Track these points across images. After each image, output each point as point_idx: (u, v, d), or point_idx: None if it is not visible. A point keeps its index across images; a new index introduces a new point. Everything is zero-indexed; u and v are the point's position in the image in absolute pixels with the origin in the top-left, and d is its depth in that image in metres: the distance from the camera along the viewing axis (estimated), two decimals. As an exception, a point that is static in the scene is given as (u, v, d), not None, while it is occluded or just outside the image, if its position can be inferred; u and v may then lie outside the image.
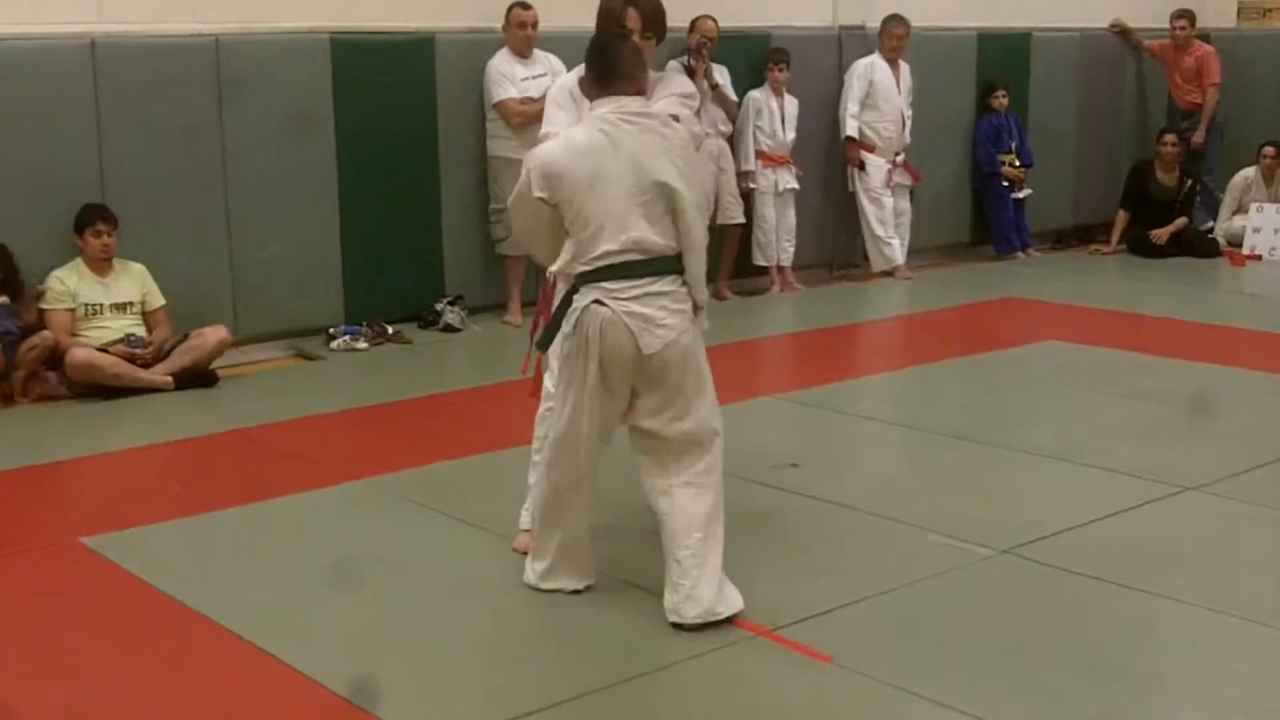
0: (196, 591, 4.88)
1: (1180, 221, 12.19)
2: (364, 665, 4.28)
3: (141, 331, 7.96)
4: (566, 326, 4.57)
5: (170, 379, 7.84)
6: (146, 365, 7.86)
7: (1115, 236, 12.51)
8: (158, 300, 8.09)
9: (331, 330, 8.94)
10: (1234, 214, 12.71)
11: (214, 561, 5.26)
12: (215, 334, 8.09)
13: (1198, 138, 12.79)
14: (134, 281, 8.03)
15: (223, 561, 5.26)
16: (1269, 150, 12.51)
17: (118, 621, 4.76)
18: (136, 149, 8.19)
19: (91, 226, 7.84)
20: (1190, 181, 12.16)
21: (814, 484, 5.94)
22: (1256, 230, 12.28)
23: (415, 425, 7.22)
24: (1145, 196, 12.25)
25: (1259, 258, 12.09)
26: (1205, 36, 13.33)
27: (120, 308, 7.96)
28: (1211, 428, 6.92)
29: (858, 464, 6.67)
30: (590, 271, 4.50)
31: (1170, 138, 12.20)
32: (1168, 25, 13.09)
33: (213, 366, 8.09)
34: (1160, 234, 12.09)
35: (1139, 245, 12.27)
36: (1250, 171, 12.66)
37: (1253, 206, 12.40)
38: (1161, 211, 12.16)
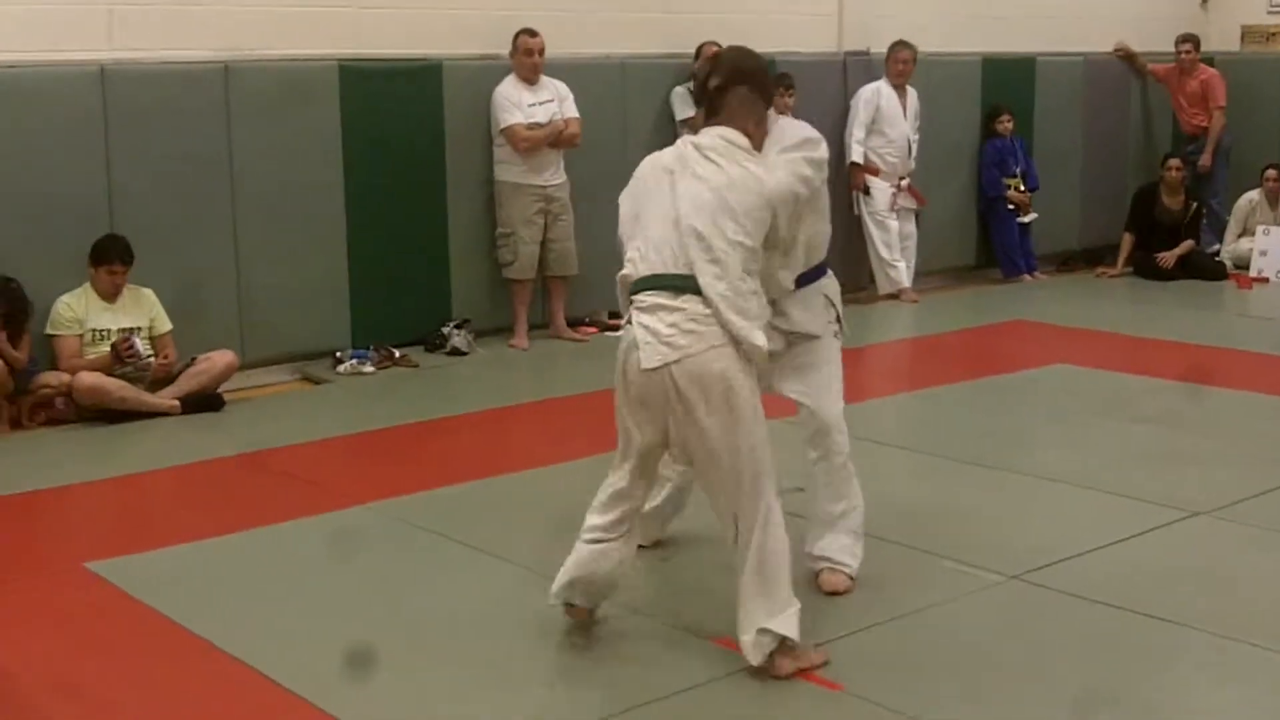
0: (203, 618, 4.87)
1: (1186, 245, 12.17)
2: (373, 693, 4.27)
3: (146, 350, 7.95)
4: None
5: (177, 403, 7.84)
6: (153, 389, 7.86)
7: (1121, 259, 12.50)
8: (165, 325, 8.10)
9: (338, 354, 8.94)
10: (1239, 236, 12.71)
11: (221, 587, 5.24)
12: (222, 358, 8.09)
13: (1204, 161, 12.79)
14: (142, 307, 8.03)
15: (229, 587, 5.24)
16: (1273, 173, 12.52)
17: (123, 648, 4.74)
18: (145, 175, 8.20)
19: (108, 264, 7.84)
20: (1195, 205, 12.15)
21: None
22: (1263, 253, 12.27)
23: (422, 449, 7.20)
24: (1150, 221, 12.24)
25: (1266, 280, 12.08)
26: (1210, 60, 13.34)
27: (128, 333, 7.96)
28: (1222, 452, 6.90)
29: (865, 488, 6.61)
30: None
31: (1174, 162, 12.19)
32: (1172, 49, 13.11)
33: (219, 390, 8.09)
34: (1166, 258, 12.07)
35: (1145, 268, 12.25)
36: (1255, 194, 12.66)
37: (1259, 229, 12.40)
38: (1167, 235, 12.14)
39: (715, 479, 4.37)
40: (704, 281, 4.27)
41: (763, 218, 4.38)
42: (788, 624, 4.29)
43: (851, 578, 5.02)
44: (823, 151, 4.75)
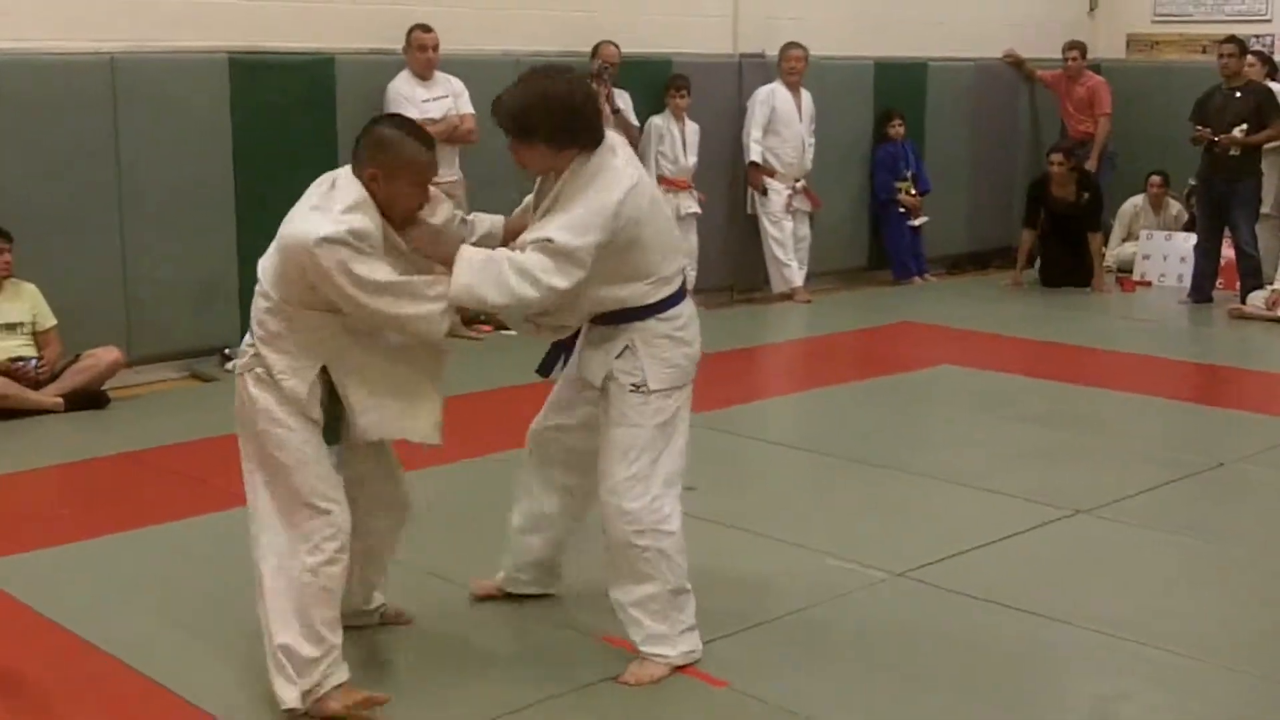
0: (85, 619, 4.81)
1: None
2: (256, 693, 4.23)
3: (31, 352, 7.83)
4: None
5: (61, 400, 7.72)
6: (37, 386, 7.74)
7: (1021, 260, 12.45)
8: (49, 320, 7.96)
9: (227, 351, 8.82)
10: (1124, 240, 12.95)
11: (103, 588, 5.17)
12: (108, 355, 7.97)
13: (1090, 165, 13.00)
14: (25, 301, 7.90)
15: (112, 588, 5.17)
16: (1156, 179, 12.75)
17: (2, 650, 4.65)
18: (29, 168, 8.06)
19: (-11, 244, 7.72)
20: (1087, 195, 12.19)
21: (711, 506, 5.93)
22: (1146, 257, 12.52)
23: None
24: (1046, 211, 12.24)
25: (1149, 283, 12.32)
26: (1096, 67, 13.56)
27: (10, 328, 7.83)
28: (1103, 451, 7.04)
29: (755, 487, 6.69)
30: None
31: (1056, 157, 12.17)
32: (1060, 56, 13.30)
33: (105, 388, 7.97)
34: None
35: (1046, 269, 12.32)
36: (1139, 199, 12.90)
37: (1142, 234, 12.64)
38: (1066, 225, 12.09)
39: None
40: None
41: None
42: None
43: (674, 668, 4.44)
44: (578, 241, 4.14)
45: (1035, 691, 4.37)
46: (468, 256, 4.12)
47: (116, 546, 5.62)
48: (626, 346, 4.35)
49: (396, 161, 4.07)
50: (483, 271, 4.08)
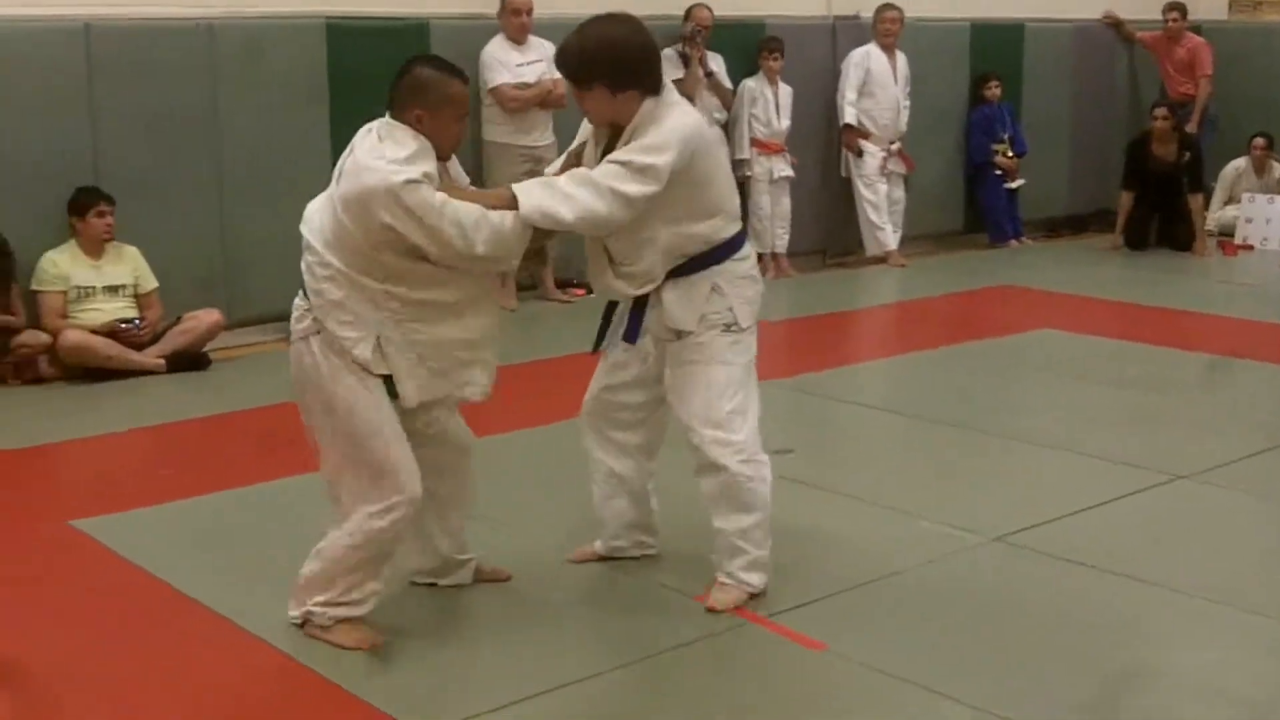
0: (186, 575, 4.87)
1: None
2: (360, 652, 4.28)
3: (133, 313, 7.94)
4: None
5: (162, 361, 7.83)
6: (139, 347, 7.85)
7: (1121, 222, 12.27)
8: (150, 283, 8.08)
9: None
10: (1225, 204, 12.73)
11: (205, 545, 5.24)
12: (208, 317, 8.08)
13: (1190, 128, 12.78)
14: (127, 264, 8.01)
15: (214, 545, 5.24)
16: (1259, 141, 12.52)
17: (106, 605, 4.74)
18: (130, 133, 8.17)
19: (95, 207, 7.83)
20: (1189, 153, 12.01)
21: (806, 470, 5.93)
22: (1249, 220, 12.30)
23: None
24: (1144, 172, 12.06)
25: (1251, 248, 12.10)
26: (1197, 29, 13.33)
27: (113, 290, 7.94)
28: (1205, 416, 6.94)
29: (851, 450, 6.67)
30: None
31: (1160, 111, 11.99)
32: (1160, 17, 13.08)
33: (205, 349, 8.08)
34: None
35: (1134, 237, 12.17)
36: (1241, 162, 12.67)
37: (1244, 197, 12.43)
38: (1165, 186, 11.91)
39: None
40: None
41: None
42: None
43: (750, 595, 4.59)
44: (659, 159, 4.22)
45: (1135, 658, 4.32)
46: (524, 187, 4.22)
47: (216, 505, 5.70)
48: (713, 288, 4.44)
49: (439, 99, 4.18)
50: (544, 194, 4.19)
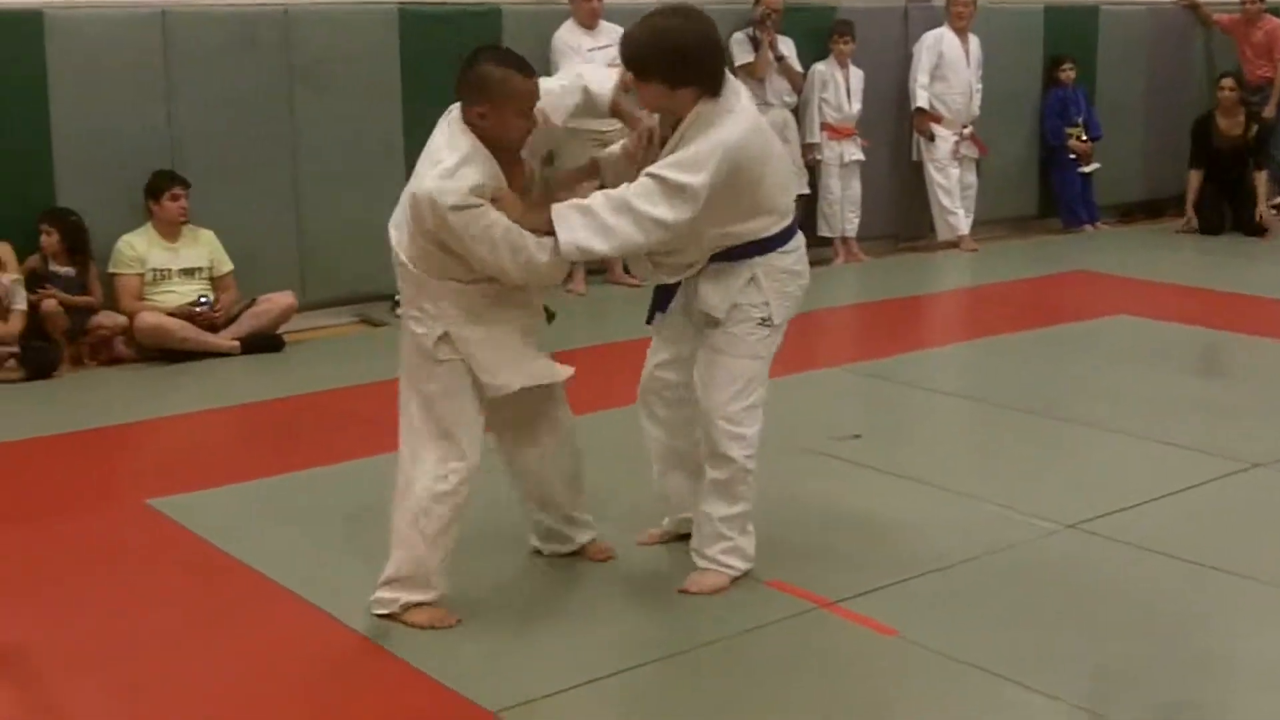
0: (261, 554, 4.93)
1: None
2: (434, 632, 4.31)
3: (208, 294, 8.03)
4: None
5: (237, 343, 7.92)
6: (213, 329, 7.93)
7: (1190, 199, 12.15)
8: (225, 266, 8.16)
9: (397, 297, 8.92)
10: (1304, 186, 12.57)
11: (279, 524, 5.30)
12: (282, 299, 8.16)
13: (1268, 112, 12.59)
14: (202, 247, 8.10)
15: (289, 524, 5.30)
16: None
17: (182, 582, 4.80)
18: (206, 117, 8.27)
19: (169, 190, 7.92)
20: (1257, 127, 11.82)
21: (877, 455, 5.93)
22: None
23: (479, 393, 7.23)
24: (1210, 149, 11.93)
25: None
26: (1276, 11, 13.13)
27: (188, 273, 8.03)
28: (1281, 404, 6.86)
29: (922, 436, 6.64)
30: None
31: (1228, 81, 11.82)
32: (1237, 0, 12.92)
33: (279, 332, 8.16)
34: None
35: (1208, 222, 12.04)
36: (1321, 144, 12.51)
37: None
38: (1230, 162, 11.80)
39: None
40: None
41: None
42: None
43: (731, 579, 4.62)
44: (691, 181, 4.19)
45: (1209, 647, 4.27)
46: (562, 214, 4.19)
47: (293, 485, 5.75)
48: (751, 279, 4.43)
49: (502, 95, 4.18)
50: (583, 225, 4.17)
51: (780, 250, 4.46)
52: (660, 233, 4.20)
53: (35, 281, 7.65)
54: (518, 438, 4.66)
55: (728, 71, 4.40)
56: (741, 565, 4.63)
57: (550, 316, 4.60)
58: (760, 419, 4.53)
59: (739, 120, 4.29)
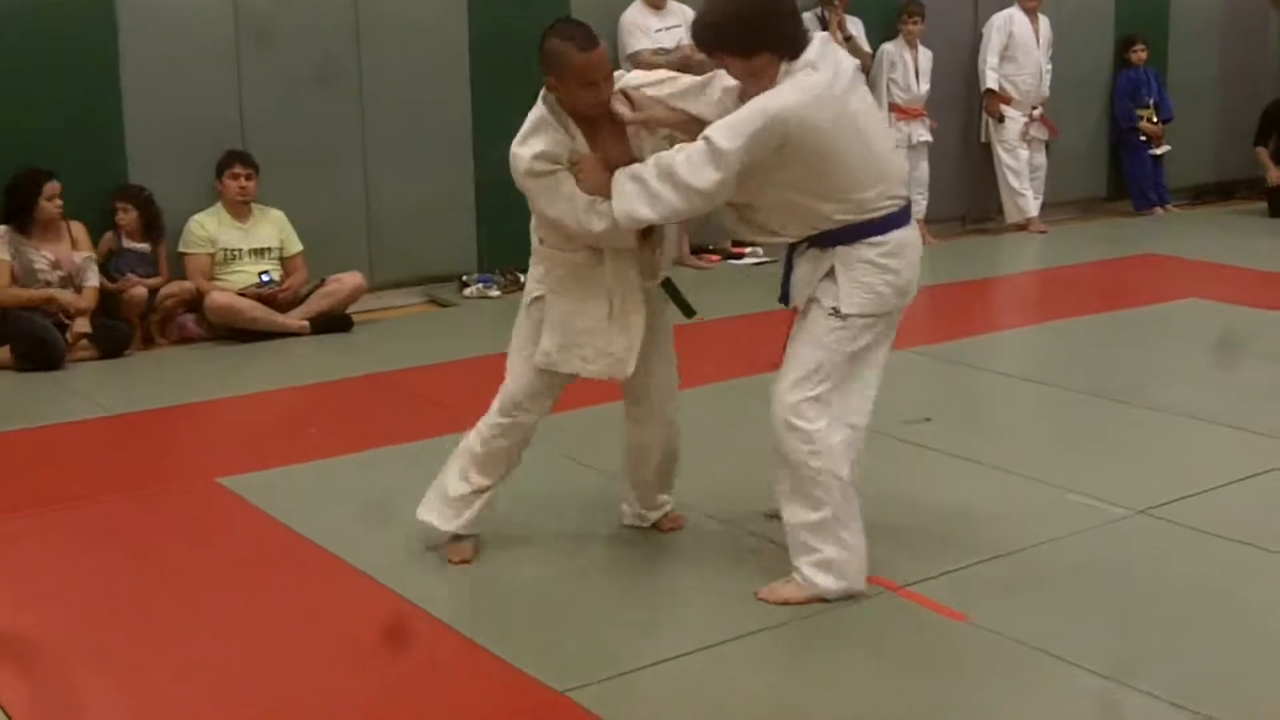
0: (331, 533, 4.96)
1: None
2: (500, 608, 4.33)
3: (275, 272, 8.08)
4: None
5: (306, 323, 7.97)
6: (283, 309, 7.99)
7: (1267, 162, 11.99)
8: (295, 246, 8.22)
9: (465, 277, 9.02)
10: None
11: (348, 504, 5.32)
12: (351, 280, 8.20)
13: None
14: (272, 227, 8.16)
15: (357, 504, 5.32)
16: None
17: (253, 560, 4.85)
18: (275, 96, 8.33)
19: (230, 169, 7.98)
20: None
21: (947, 439, 5.89)
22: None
23: (546, 373, 7.24)
24: None
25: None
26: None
27: (258, 253, 8.09)
28: (1357, 391, 6.77)
29: (992, 420, 6.60)
30: None
31: None
32: (1314, -21, 12.75)
33: (348, 312, 8.20)
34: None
35: (1277, 205, 11.90)
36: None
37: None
38: None
39: None
40: None
41: None
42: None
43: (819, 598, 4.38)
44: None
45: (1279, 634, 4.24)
46: (619, 181, 4.25)
47: (362, 464, 5.79)
48: (831, 268, 4.30)
49: (562, 69, 4.29)
50: (632, 193, 4.22)
51: (867, 241, 4.27)
52: (699, 200, 4.17)
53: (112, 263, 7.77)
54: (627, 401, 4.82)
55: (819, 35, 4.31)
56: (830, 584, 4.33)
57: (688, 312, 4.67)
58: (827, 417, 4.28)
59: (798, 85, 4.14)
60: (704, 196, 4.16)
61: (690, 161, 4.13)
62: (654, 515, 4.95)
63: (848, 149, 4.21)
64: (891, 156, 4.53)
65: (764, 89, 4.19)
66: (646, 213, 4.21)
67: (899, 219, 4.35)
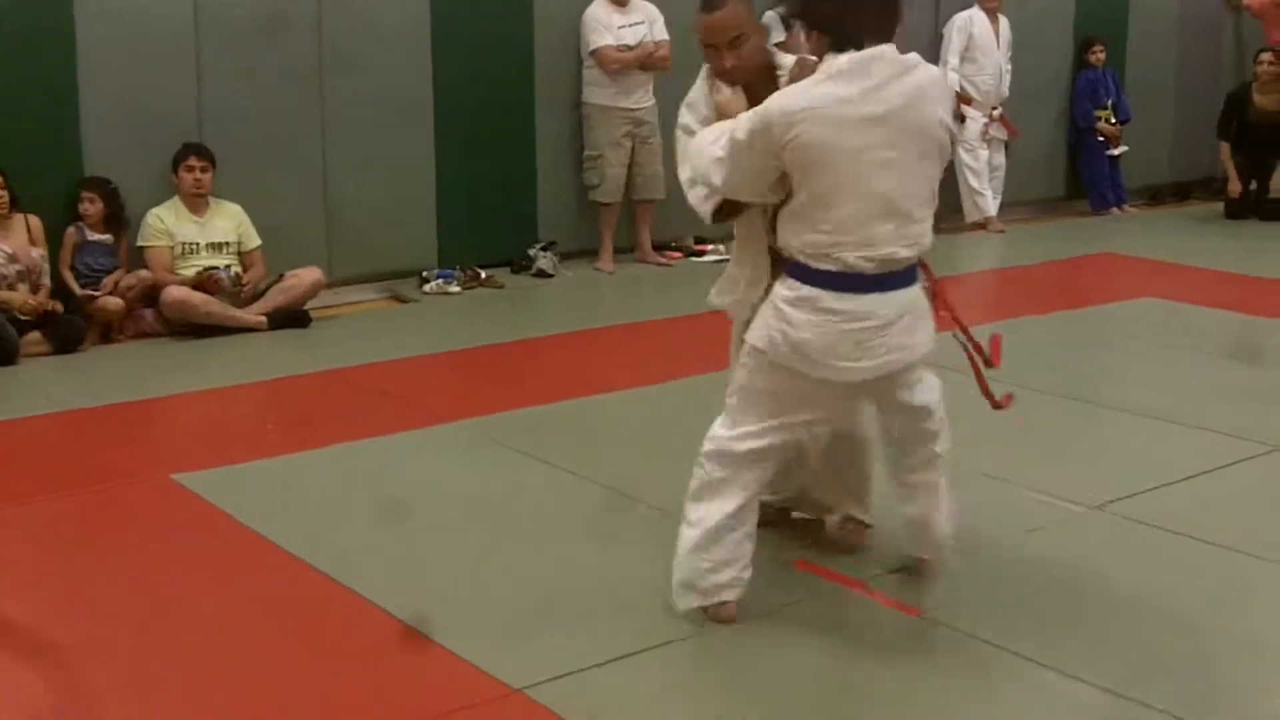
0: (286, 530, 4.93)
1: None
2: (453, 606, 4.32)
3: (228, 264, 8.05)
4: None
5: (264, 319, 7.93)
6: (241, 304, 7.95)
7: (1231, 170, 12.00)
8: (253, 240, 8.18)
9: (425, 273, 9.00)
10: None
11: (304, 500, 5.31)
12: (310, 275, 8.17)
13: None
14: (230, 221, 8.12)
15: (313, 501, 5.31)
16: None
17: (207, 558, 4.82)
18: (235, 89, 8.28)
19: (184, 162, 7.95)
20: None
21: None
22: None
23: (507, 369, 7.25)
24: (1243, 124, 11.86)
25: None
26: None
27: (216, 247, 8.05)
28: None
29: (949, 417, 6.60)
30: None
31: (1267, 56, 11.74)
32: (1269, -18, 12.84)
33: (306, 307, 8.17)
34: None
35: (1234, 207, 11.97)
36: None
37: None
38: (1265, 138, 11.72)
39: None
40: None
41: None
42: None
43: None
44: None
45: (1236, 629, 4.26)
46: (704, 133, 4.26)
47: (319, 461, 5.76)
48: (769, 298, 4.13)
49: (696, 29, 4.38)
50: (692, 153, 4.26)
51: (800, 280, 3.99)
52: (714, 180, 4.13)
53: (76, 257, 7.80)
54: None
55: (886, 50, 4.10)
56: (681, 604, 4.22)
57: None
58: (735, 427, 4.13)
59: (801, 89, 3.93)
60: (708, 177, 4.14)
61: (715, 139, 4.13)
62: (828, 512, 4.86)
63: (841, 184, 3.92)
64: (880, 213, 4.00)
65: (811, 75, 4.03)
66: (682, 176, 4.32)
67: (850, 282, 3.98)
